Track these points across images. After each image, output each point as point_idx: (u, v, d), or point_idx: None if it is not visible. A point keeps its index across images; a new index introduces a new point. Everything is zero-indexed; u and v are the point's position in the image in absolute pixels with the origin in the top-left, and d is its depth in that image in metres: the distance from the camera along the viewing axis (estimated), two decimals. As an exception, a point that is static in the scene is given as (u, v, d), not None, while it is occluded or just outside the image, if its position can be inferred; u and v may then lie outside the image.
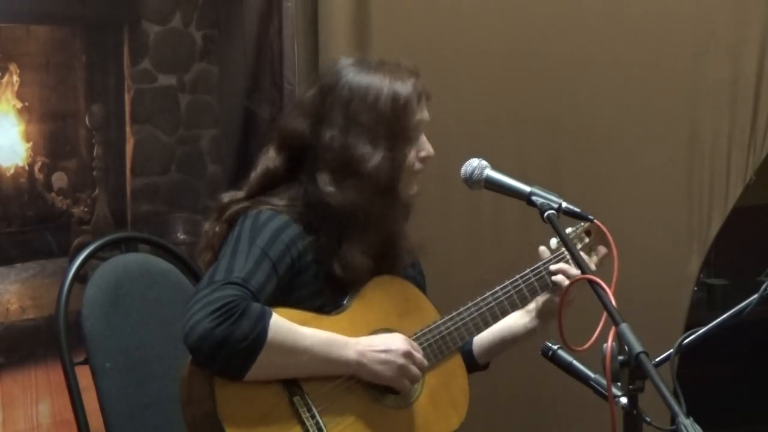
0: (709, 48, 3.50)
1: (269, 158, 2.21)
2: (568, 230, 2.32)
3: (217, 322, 1.90)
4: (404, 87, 2.15)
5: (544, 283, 2.29)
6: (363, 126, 2.13)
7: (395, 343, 2.10)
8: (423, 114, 2.19)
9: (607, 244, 2.40)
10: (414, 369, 2.10)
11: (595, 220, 2.00)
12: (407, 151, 2.16)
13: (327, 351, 2.03)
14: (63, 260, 3.00)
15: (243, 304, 1.93)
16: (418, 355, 2.12)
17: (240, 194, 2.20)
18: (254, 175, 2.21)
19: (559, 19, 3.39)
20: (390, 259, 2.18)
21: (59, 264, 3.01)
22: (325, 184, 2.13)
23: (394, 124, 2.13)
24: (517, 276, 2.29)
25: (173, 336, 2.39)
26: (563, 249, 2.32)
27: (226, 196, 2.21)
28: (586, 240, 2.38)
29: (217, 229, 2.16)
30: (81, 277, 2.35)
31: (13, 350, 2.96)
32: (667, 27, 3.46)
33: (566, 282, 2.25)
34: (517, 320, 2.34)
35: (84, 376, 2.27)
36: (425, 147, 2.20)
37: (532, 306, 2.32)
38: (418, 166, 2.19)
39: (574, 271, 2.26)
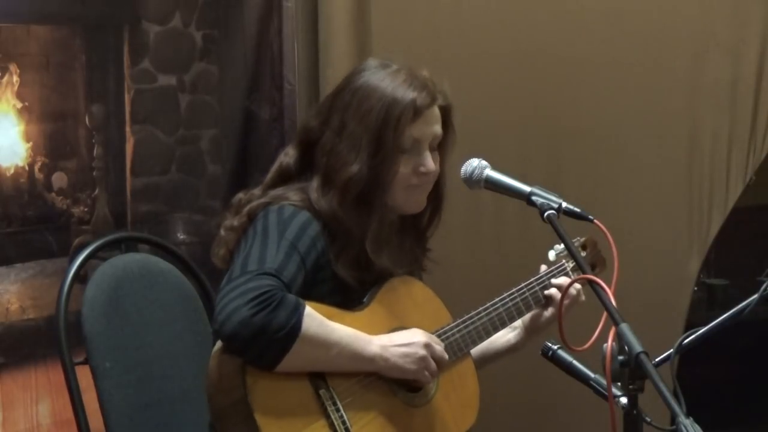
0: (709, 48, 3.50)
1: (285, 153, 2.24)
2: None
3: (256, 310, 1.90)
4: (403, 99, 2.12)
5: (537, 298, 2.32)
6: (351, 133, 2.13)
7: (415, 336, 2.11)
8: (423, 129, 2.16)
9: (599, 261, 2.42)
10: (433, 362, 2.11)
11: (595, 220, 2.00)
12: (396, 163, 2.14)
13: (354, 346, 2.04)
14: (63, 260, 3.00)
15: (280, 294, 1.94)
16: (438, 347, 2.14)
17: (256, 191, 2.22)
18: (271, 169, 2.24)
19: (559, 20, 3.39)
20: (370, 271, 2.16)
21: (59, 264, 3.01)
22: (313, 188, 2.15)
23: (381, 136, 2.11)
24: (523, 284, 2.31)
25: (173, 336, 2.39)
26: (562, 262, 2.34)
27: (243, 193, 2.22)
28: (583, 254, 2.39)
29: (235, 223, 2.16)
30: (81, 277, 2.35)
31: (13, 350, 2.95)
32: (667, 27, 3.47)
33: (559, 297, 2.28)
34: (499, 336, 2.35)
35: (84, 376, 2.27)
36: (424, 162, 2.17)
37: (517, 322, 2.34)
38: (414, 180, 2.18)
39: (572, 287, 2.28)
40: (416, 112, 2.13)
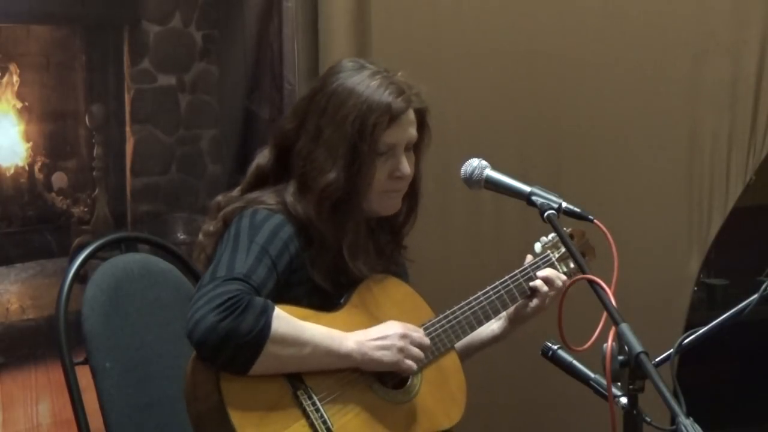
0: (709, 48, 3.50)
1: (262, 155, 2.24)
2: (551, 236, 2.36)
3: (222, 316, 1.91)
4: (378, 106, 2.11)
5: (522, 289, 2.33)
6: (327, 140, 2.12)
7: (391, 328, 2.12)
8: (397, 135, 2.15)
9: (587, 249, 2.45)
10: (414, 349, 2.11)
11: (595, 220, 2.00)
12: (372, 170, 2.13)
13: (329, 344, 2.04)
14: (63, 260, 3.00)
15: (246, 299, 1.94)
16: (416, 333, 2.14)
17: (234, 193, 2.22)
18: (248, 171, 2.24)
19: (559, 20, 3.39)
20: (347, 274, 2.16)
21: (59, 264, 3.01)
22: (289, 193, 2.15)
23: (357, 144, 2.11)
24: (507, 276, 2.32)
25: (173, 336, 2.39)
26: (547, 253, 2.36)
27: (222, 196, 2.23)
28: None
29: (212, 228, 2.17)
30: (81, 277, 2.35)
31: (13, 350, 2.96)
32: (667, 27, 3.47)
33: (545, 288, 2.30)
34: (483, 326, 2.34)
35: (84, 376, 2.27)
36: (399, 167, 2.17)
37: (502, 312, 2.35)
38: (389, 184, 2.18)
39: (558, 278, 2.30)
40: (391, 118, 2.13)
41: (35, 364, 2.98)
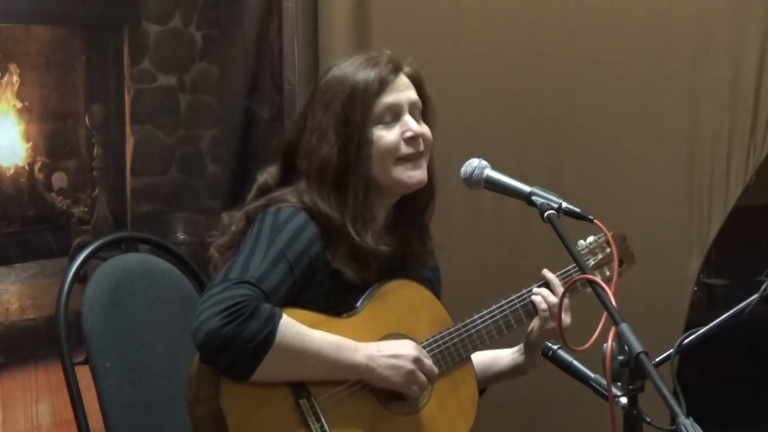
0: (709, 48, 3.50)
1: (267, 171, 2.21)
2: (590, 239, 2.31)
3: (226, 321, 1.89)
4: (366, 77, 2.12)
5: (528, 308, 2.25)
6: (319, 124, 2.12)
7: (405, 349, 2.08)
8: (395, 96, 2.14)
9: (626, 256, 2.39)
10: (422, 376, 2.08)
11: (595, 220, 2.00)
12: (369, 136, 2.11)
13: (336, 355, 2.01)
14: (63, 260, 3.00)
15: (253, 305, 1.92)
16: (428, 361, 2.10)
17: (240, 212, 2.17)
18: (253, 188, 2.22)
19: (559, 20, 3.39)
20: (368, 261, 2.11)
21: (59, 264, 3.01)
22: (300, 190, 2.12)
23: (347, 115, 2.10)
24: (525, 290, 2.26)
25: (173, 336, 2.39)
26: (570, 266, 2.28)
27: (225, 215, 2.19)
28: (608, 250, 2.35)
29: (233, 228, 2.14)
30: (81, 277, 2.35)
31: (13, 350, 2.96)
32: (667, 27, 3.47)
33: (543, 304, 2.19)
34: (505, 354, 2.31)
35: (84, 376, 2.27)
36: (408, 125, 2.14)
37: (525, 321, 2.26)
38: (404, 148, 2.14)
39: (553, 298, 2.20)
40: (381, 82, 2.13)
41: (35, 364, 2.98)
